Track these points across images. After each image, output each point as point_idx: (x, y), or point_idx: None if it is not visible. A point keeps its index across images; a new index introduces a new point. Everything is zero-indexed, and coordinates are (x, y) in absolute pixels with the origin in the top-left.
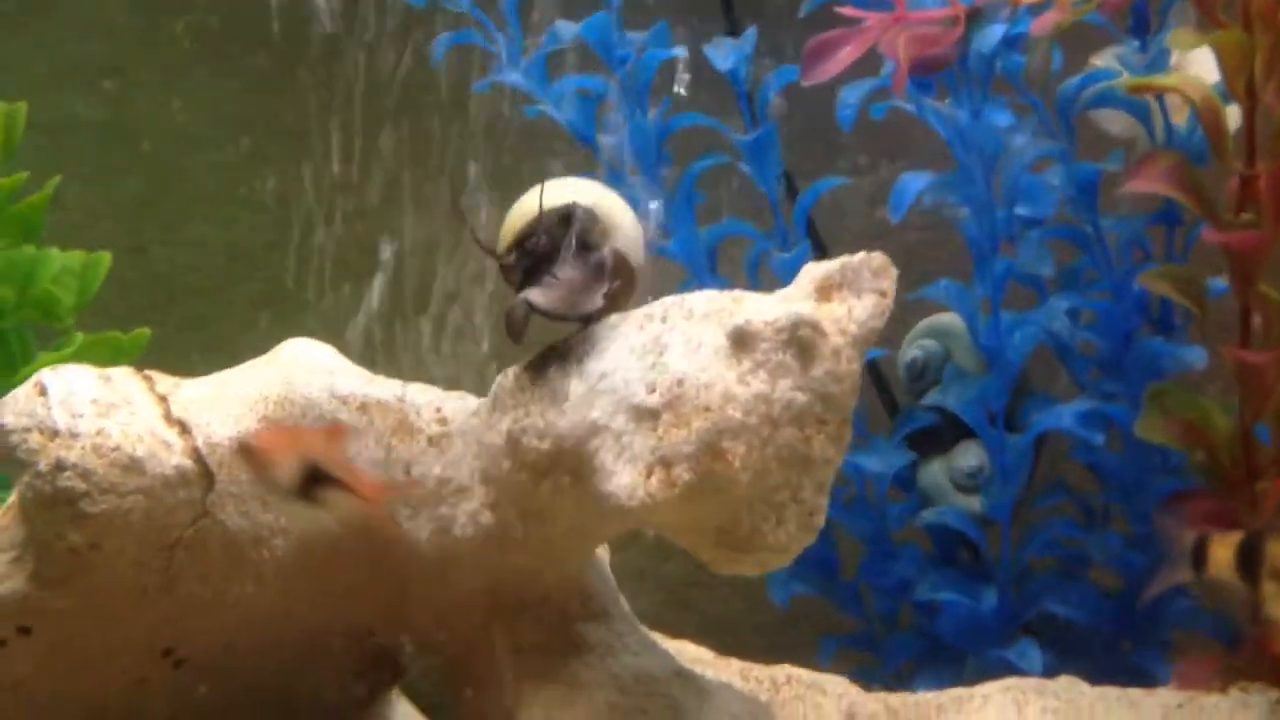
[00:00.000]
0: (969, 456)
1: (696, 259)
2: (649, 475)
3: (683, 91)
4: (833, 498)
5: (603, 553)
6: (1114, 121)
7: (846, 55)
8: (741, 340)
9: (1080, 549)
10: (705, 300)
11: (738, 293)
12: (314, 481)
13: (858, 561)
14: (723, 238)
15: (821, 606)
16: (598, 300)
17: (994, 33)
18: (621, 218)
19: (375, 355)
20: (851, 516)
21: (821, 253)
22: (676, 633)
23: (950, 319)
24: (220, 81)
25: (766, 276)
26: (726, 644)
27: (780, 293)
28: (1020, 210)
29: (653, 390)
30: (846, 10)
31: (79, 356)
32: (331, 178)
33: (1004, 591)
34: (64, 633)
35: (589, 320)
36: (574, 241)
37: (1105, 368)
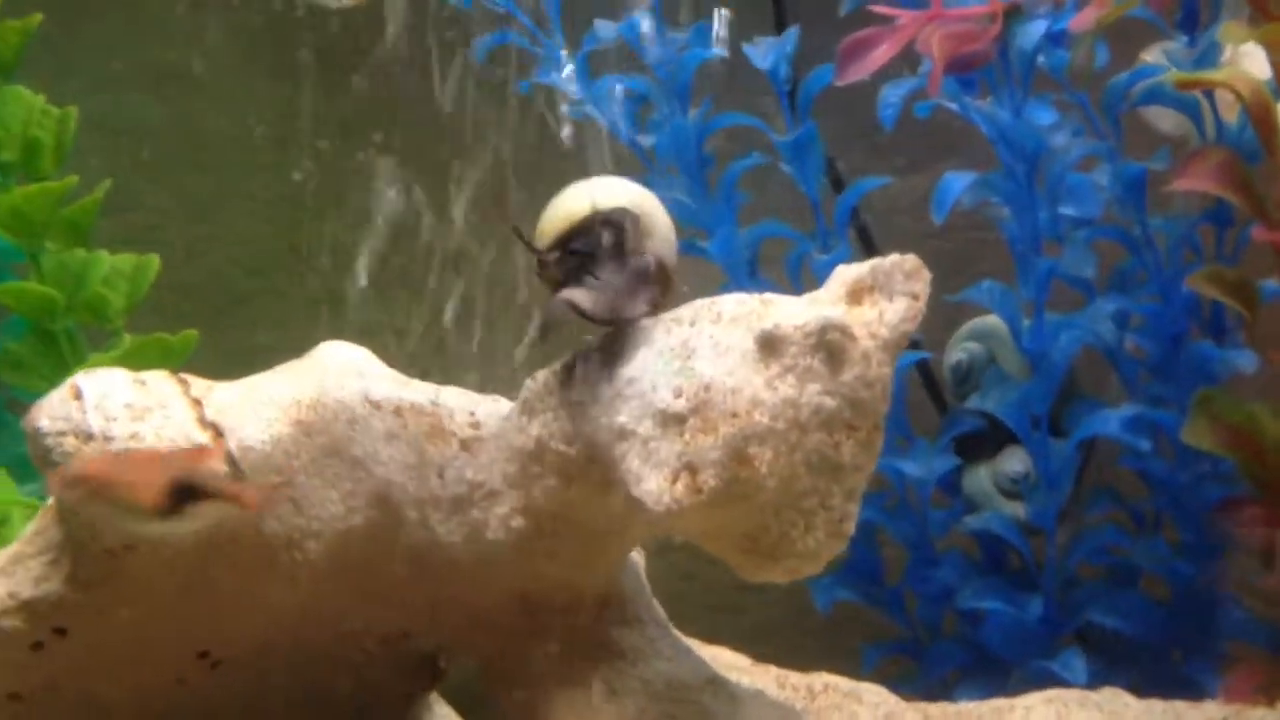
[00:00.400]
0: (1014, 461)
1: (736, 260)
2: (675, 481)
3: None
4: (875, 502)
5: (637, 557)
6: (1164, 119)
7: (881, 54)
8: (769, 344)
9: (1128, 557)
10: (734, 303)
11: (767, 295)
12: (182, 498)
13: (903, 568)
14: (763, 239)
15: (870, 612)
16: (641, 306)
17: (1035, 29)
18: (658, 219)
19: (436, 356)
20: (894, 522)
21: (872, 254)
22: (722, 638)
23: (995, 321)
24: (279, 83)
25: (809, 279)
26: (773, 649)
27: (810, 295)
28: (1066, 210)
29: (679, 395)
30: (881, 8)
31: (128, 358)
32: (393, 179)
33: (1049, 600)
34: (100, 634)
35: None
36: (617, 244)
37: (1154, 372)
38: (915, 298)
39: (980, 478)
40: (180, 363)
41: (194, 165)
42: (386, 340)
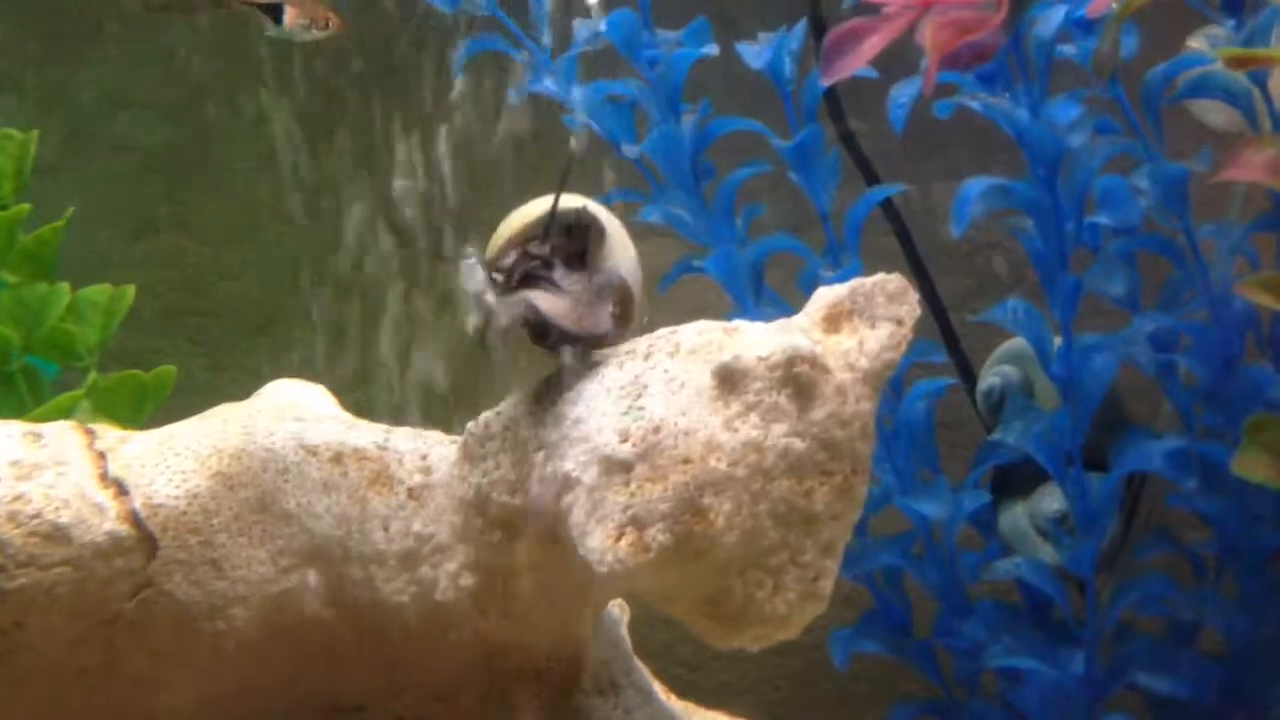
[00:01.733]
0: (1053, 499)
1: (738, 279)
2: (619, 538)
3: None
4: (900, 546)
5: (618, 612)
6: (1215, 113)
7: (870, 47)
8: (729, 379)
9: (1175, 608)
10: (696, 333)
11: (734, 323)
12: None
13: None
14: (768, 255)
15: (896, 664)
16: (606, 320)
17: (1051, 17)
18: (623, 243)
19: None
20: (920, 567)
21: (916, 264)
22: (727, 690)
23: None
24: (310, 104)
25: None
26: (788, 701)
27: (782, 322)
28: (1101, 219)
29: (625, 439)
30: None
31: (94, 398)
32: (421, 202)
33: (1090, 657)
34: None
35: (595, 344)
36: (579, 252)
37: (1204, 398)
38: (899, 323)
39: (1017, 517)
40: (158, 401)
41: (221, 188)
42: (412, 366)
